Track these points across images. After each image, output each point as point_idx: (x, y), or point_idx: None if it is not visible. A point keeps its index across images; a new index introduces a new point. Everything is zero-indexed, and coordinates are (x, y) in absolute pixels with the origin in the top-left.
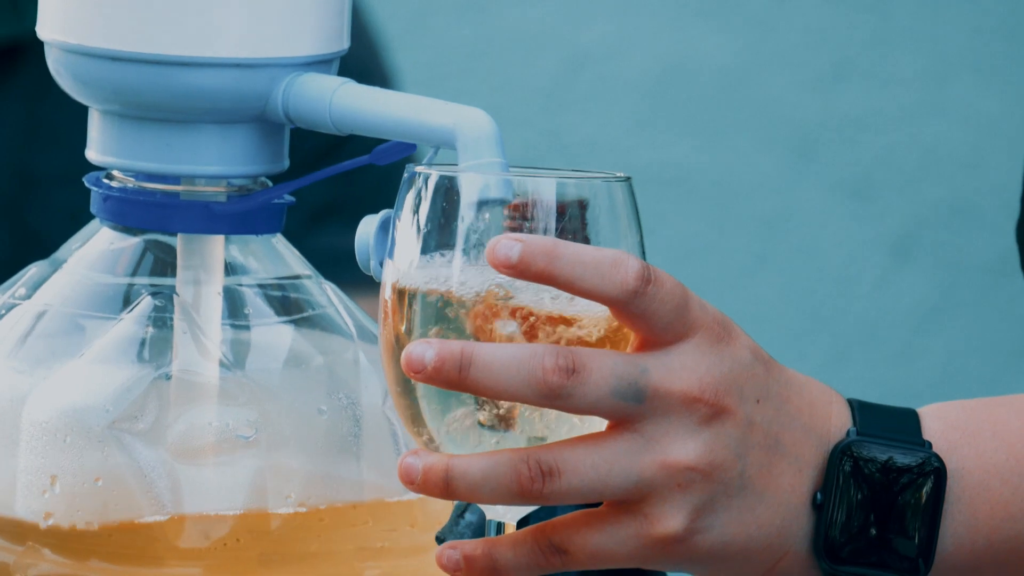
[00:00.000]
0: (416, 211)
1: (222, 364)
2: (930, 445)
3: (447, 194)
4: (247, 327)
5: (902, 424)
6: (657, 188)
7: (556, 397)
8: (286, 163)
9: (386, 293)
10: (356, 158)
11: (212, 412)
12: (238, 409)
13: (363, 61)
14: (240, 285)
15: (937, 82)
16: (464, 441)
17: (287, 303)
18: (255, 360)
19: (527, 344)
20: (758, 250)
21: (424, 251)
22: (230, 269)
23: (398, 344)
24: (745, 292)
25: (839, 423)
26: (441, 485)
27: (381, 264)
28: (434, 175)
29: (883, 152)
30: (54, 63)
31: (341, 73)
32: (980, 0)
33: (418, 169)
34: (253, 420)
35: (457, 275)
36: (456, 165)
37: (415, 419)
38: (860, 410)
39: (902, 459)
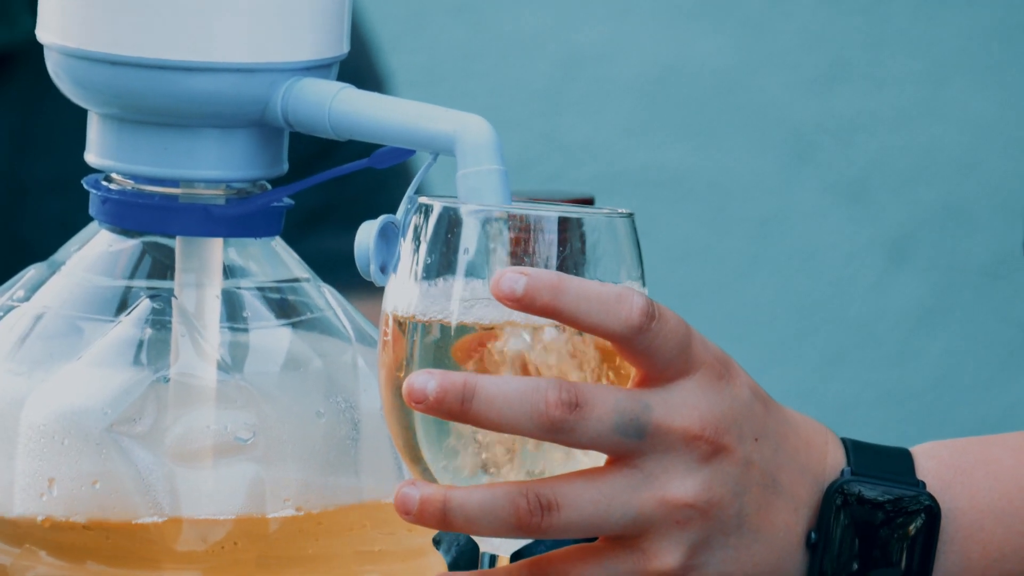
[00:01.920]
0: (418, 242)
1: (220, 367)
2: (924, 485)
3: (450, 226)
4: (245, 330)
5: (896, 464)
6: (653, 190)
7: (558, 431)
8: (285, 166)
9: (387, 322)
10: (355, 161)
11: (210, 415)
12: (236, 412)
13: (357, 64)
14: (238, 288)
15: (933, 84)
16: (462, 472)
17: (285, 306)
18: (253, 363)
19: (530, 378)
20: (754, 252)
21: (427, 282)
22: (228, 272)
23: (398, 374)
24: (741, 294)
25: (834, 462)
26: (438, 516)
27: (381, 269)
28: (437, 206)
29: (879, 154)
30: (53, 66)
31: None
32: (976, 2)
33: (421, 200)
34: (251, 423)
35: (459, 306)
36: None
37: (412, 449)
38: (854, 450)
39: (894, 499)
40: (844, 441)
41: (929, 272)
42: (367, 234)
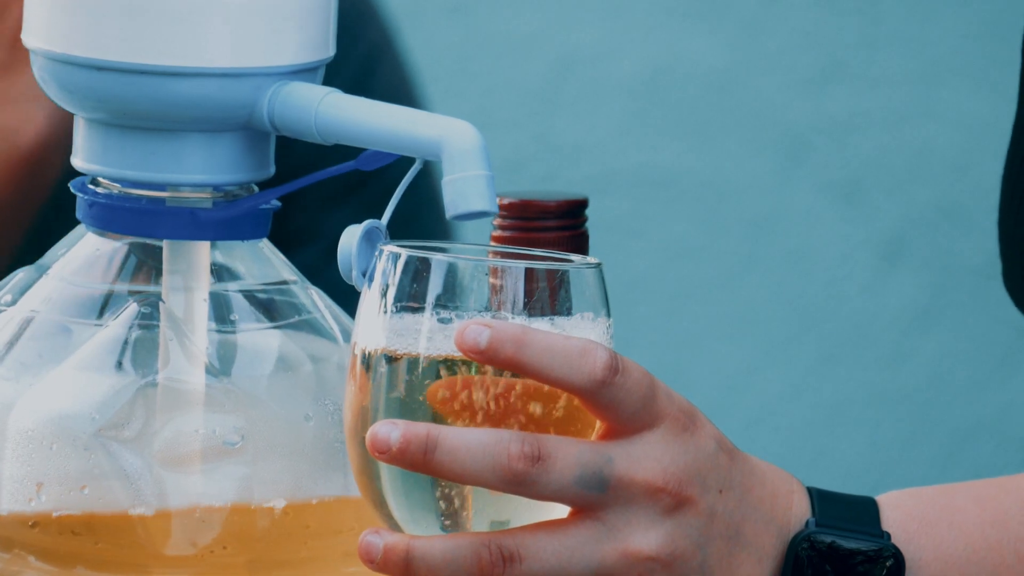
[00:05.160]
0: (385, 288)
1: (208, 371)
2: (888, 536)
3: (417, 274)
4: (233, 333)
5: (861, 514)
6: (646, 190)
7: (520, 484)
8: (272, 169)
9: (353, 370)
10: (342, 164)
11: (198, 419)
12: (224, 416)
13: (376, 46)
14: (226, 291)
15: (927, 84)
16: (426, 522)
17: (273, 308)
18: (241, 366)
19: (493, 430)
20: (747, 252)
21: (393, 330)
22: (216, 275)
23: (362, 422)
24: (735, 294)
25: (799, 513)
26: (401, 566)
27: (363, 274)
28: (404, 254)
29: (873, 154)
30: (39, 71)
31: (355, 58)
32: (970, 3)
33: (388, 248)
34: (239, 427)
35: (426, 354)
36: (427, 244)
37: (377, 497)
38: (819, 500)
39: (860, 550)
40: (810, 491)
41: (923, 272)
42: (351, 238)
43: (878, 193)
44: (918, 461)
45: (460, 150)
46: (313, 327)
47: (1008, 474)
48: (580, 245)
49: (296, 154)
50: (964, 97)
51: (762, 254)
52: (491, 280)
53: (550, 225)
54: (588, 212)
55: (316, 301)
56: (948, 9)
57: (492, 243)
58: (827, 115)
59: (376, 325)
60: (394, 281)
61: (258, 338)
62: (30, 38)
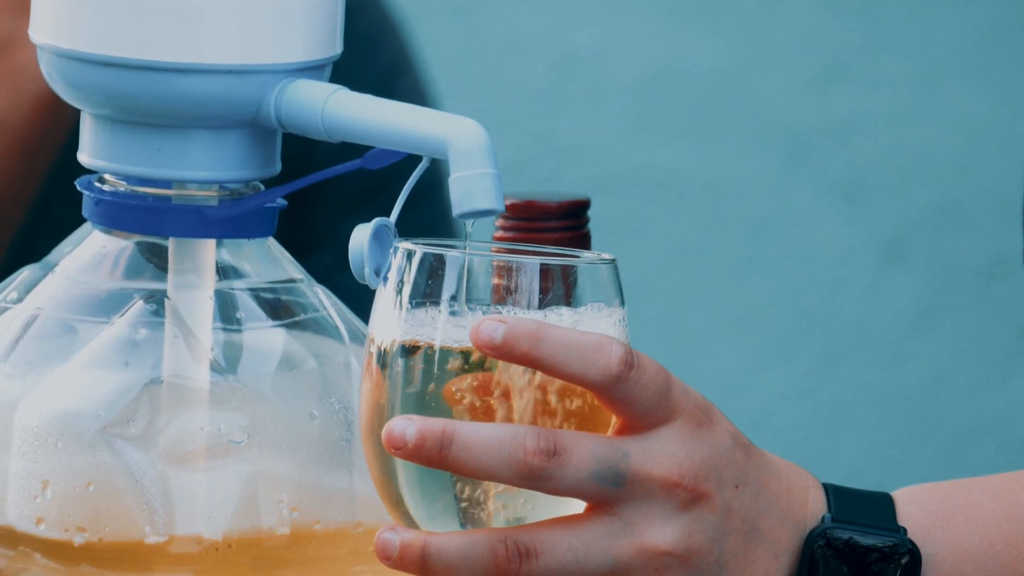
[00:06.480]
0: (401, 285)
1: (214, 368)
2: (905, 531)
3: (432, 270)
4: (239, 331)
5: (877, 510)
6: (648, 191)
7: (536, 479)
8: (278, 167)
9: (370, 366)
10: (348, 162)
11: (204, 417)
12: (230, 414)
13: (394, 61)
14: (232, 289)
15: (928, 85)
16: (443, 519)
17: (279, 307)
18: (247, 364)
19: (509, 425)
20: (749, 253)
21: (408, 325)
22: (222, 273)
23: (378, 419)
24: (736, 295)
25: (815, 508)
26: (417, 562)
27: (376, 272)
28: (419, 251)
29: (874, 155)
30: (46, 67)
31: (373, 73)
32: (971, 3)
33: (404, 246)
34: (245, 425)
35: (440, 351)
36: (441, 241)
37: (393, 495)
38: (835, 495)
39: (876, 545)
40: (825, 487)
41: (924, 273)
42: (361, 237)
43: (879, 194)
44: (919, 462)
45: (466, 148)
46: (319, 325)
47: None
48: (582, 246)
49: (318, 154)
50: (966, 97)
51: (763, 255)
52: (498, 279)
53: (552, 226)
54: (589, 213)
55: (322, 299)
56: (949, 10)
57: (494, 243)
58: (828, 116)
59: (392, 321)
60: (409, 278)
61: (264, 336)
62: (37, 33)
